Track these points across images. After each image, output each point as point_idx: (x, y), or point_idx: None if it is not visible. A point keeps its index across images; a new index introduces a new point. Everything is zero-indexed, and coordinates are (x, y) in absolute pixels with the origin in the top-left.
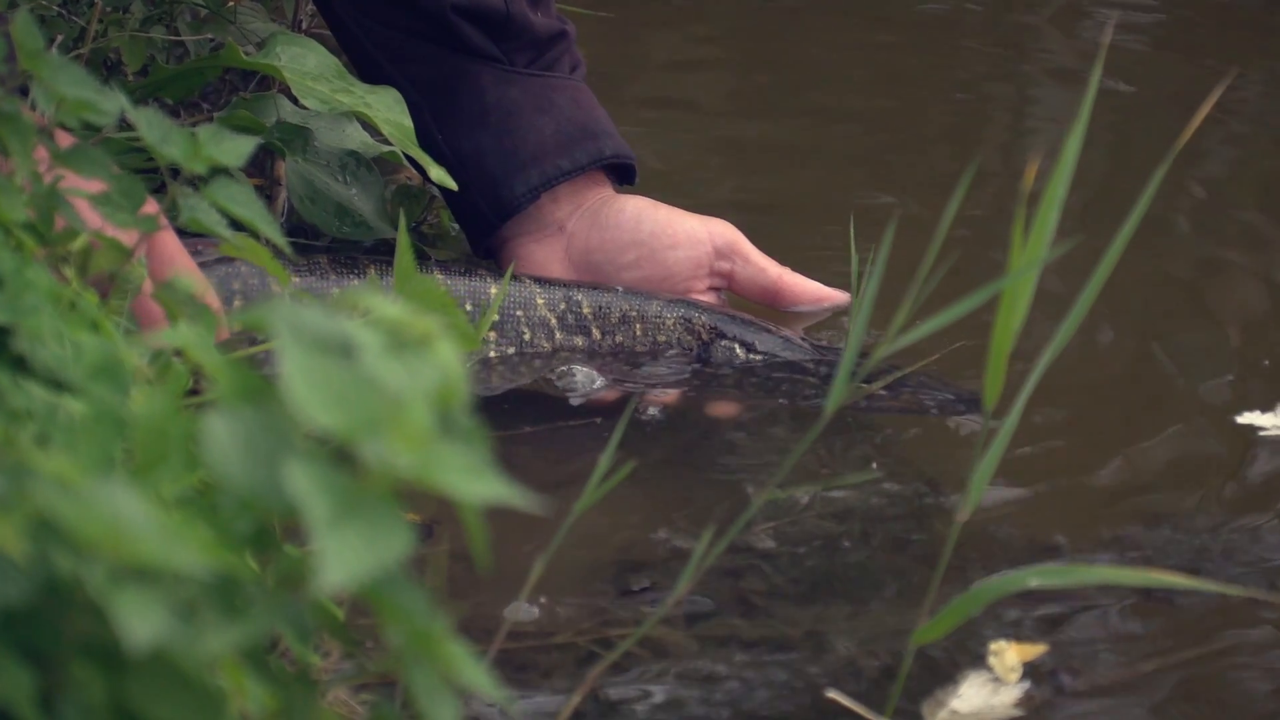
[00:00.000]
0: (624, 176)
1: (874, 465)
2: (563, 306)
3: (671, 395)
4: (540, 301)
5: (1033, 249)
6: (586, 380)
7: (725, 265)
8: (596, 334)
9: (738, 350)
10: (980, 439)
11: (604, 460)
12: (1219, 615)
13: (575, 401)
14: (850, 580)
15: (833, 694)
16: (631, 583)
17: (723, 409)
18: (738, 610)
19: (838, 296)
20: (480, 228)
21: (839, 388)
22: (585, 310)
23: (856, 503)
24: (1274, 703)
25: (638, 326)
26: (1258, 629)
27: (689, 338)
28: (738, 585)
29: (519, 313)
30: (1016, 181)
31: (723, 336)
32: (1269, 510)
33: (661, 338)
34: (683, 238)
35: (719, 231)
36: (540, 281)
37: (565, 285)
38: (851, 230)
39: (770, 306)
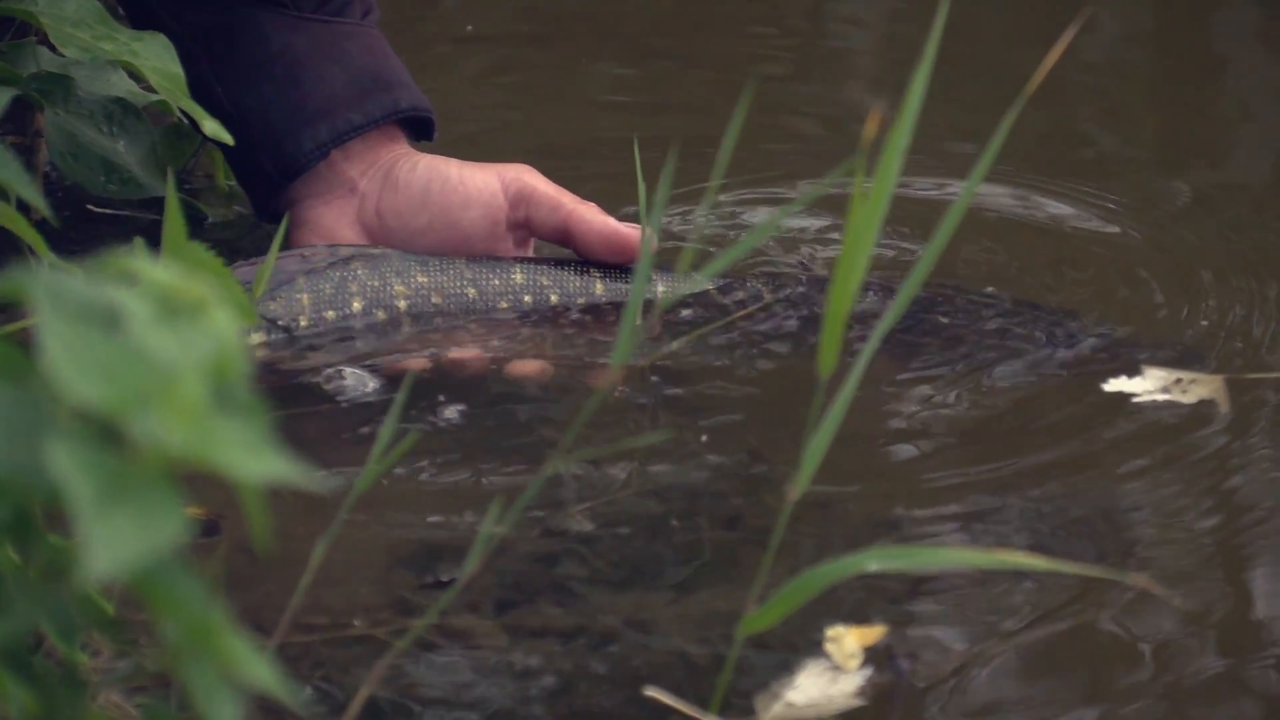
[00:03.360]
0: (422, 131)
1: (703, 438)
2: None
3: (533, 365)
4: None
5: (874, 202)
6: (357, 383)
7: (521, 214)
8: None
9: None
10: (813, 409)
11: (384, 434)
12: (1068, 591)
13: (349, 406)
14: (674, 563)
15: (652, 691)
16: (435, 571)
17: (524, 368)
18: (553, 598)
19: (628, 235)
20: (265, 188)
21: (624, 340)
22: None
23: (679, 478)
24: (1125, 682)
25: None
26: (1107, 608)
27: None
28: (552, 571)
29: None
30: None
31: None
32: (1123, 480)
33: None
34: (474, 195)
35: (512, 178)
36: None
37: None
38: (637, 160)
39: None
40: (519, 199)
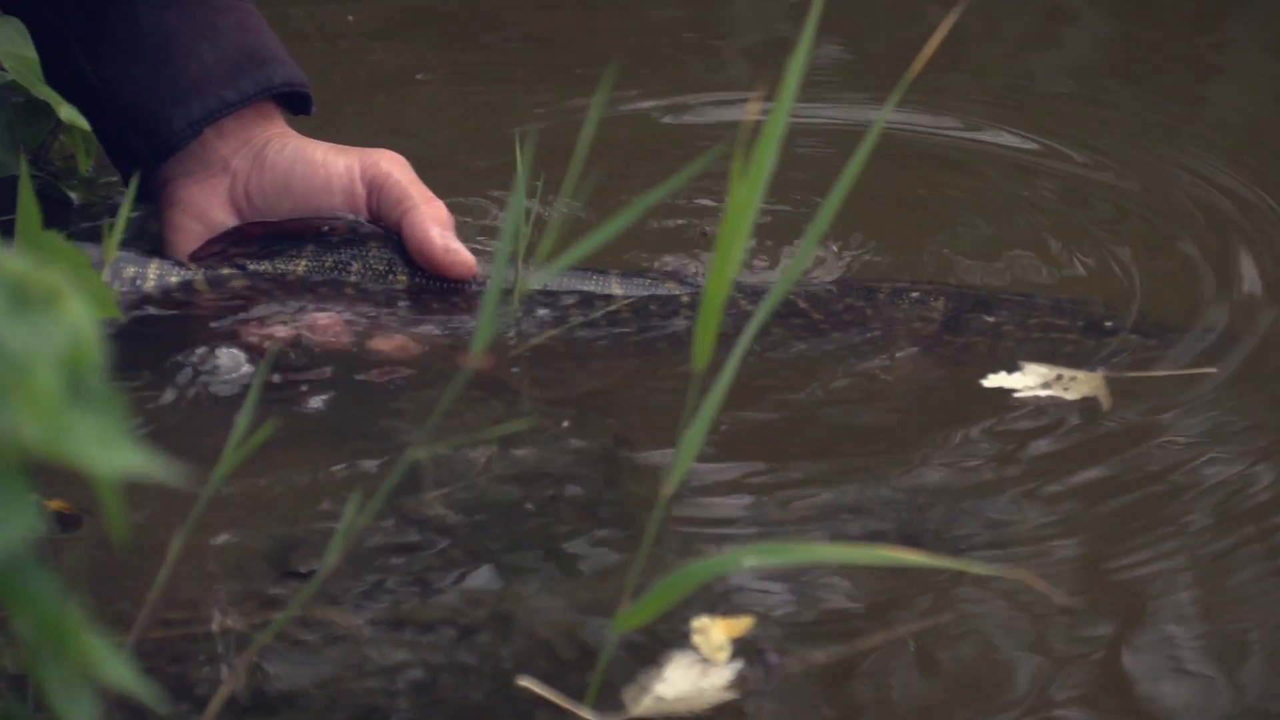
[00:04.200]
0: (299, 106)
1: (565, 423)
2: None
3: (395, 341)
4: None
5: (750, 188)
6: (231, 363)
7: (374, 202)
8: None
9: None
10: (688, 401)
11: (240, 423)
12: (943, 584)
13: (224, 391)
14: (537, 552)
15: (525, 681)
16: (295, 563)
17: (386, 343)
18: (414, 589)
19: (438, 253)
20: (138, 168)
21: (484, 327)
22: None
23: (541, 463)
24: (998, 677)
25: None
26: (983, 604)
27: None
28: (412, 561)
29: None
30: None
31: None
32: (998, 474)
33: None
34: (335, 180)
35: (370, 164)
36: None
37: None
38: (519, 154)
39: None
40: (373, 186)
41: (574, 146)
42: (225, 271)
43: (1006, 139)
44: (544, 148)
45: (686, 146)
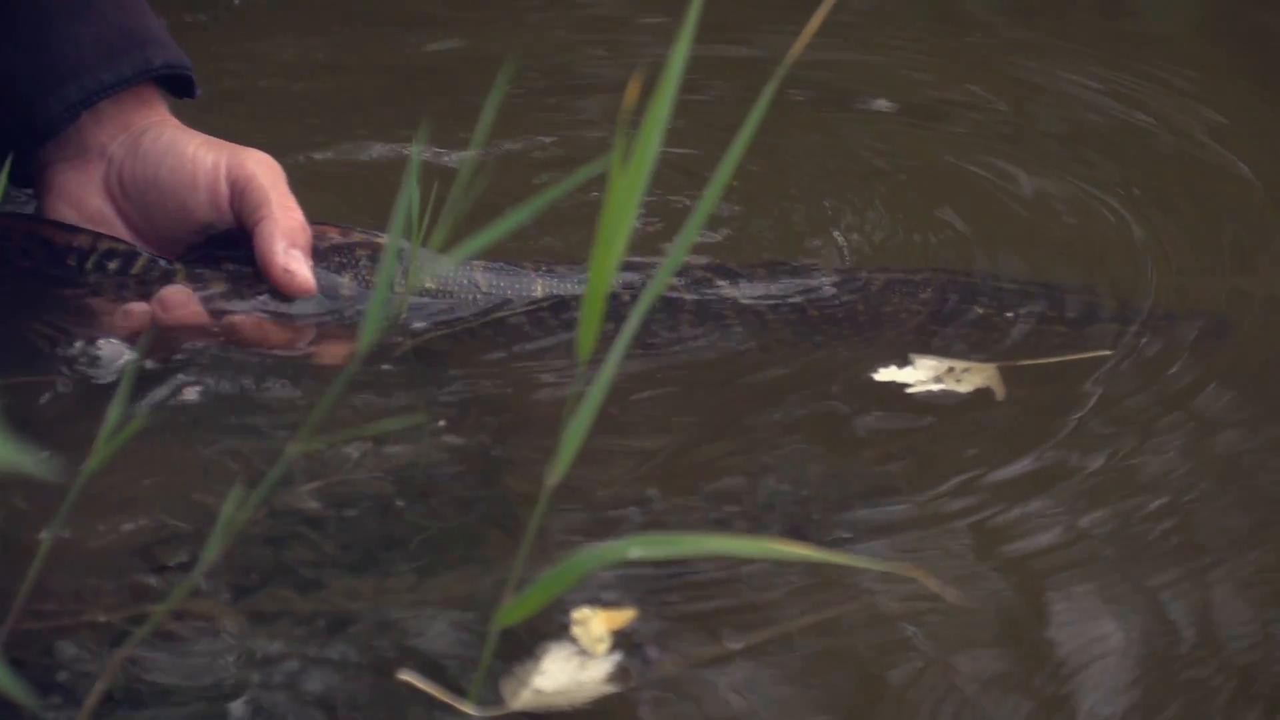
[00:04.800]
0: (183, 89)
1: (443, 421)
2: None
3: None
4: None
5: (633, 174)
6: (112, 353)
7: (236, 203)
8: None
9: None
10: (572, 392)
11: (112, 415)
12: (831, 578)
13: (105, 380)
14: (411, 545)
15: (405, 675)
16: (164, 557)
17: (332, 352)
18: (289, 581)
19: (276, 269)
20: (15, 153)
21: (371, 324)
22: None
23: (415, 457)
24: (883, 672)
25: None
26: (870, 598)
27: None
28: (285, 554)
29: None
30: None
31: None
32: (885, 468)
33: None
34: (201, 176)
35: (236, 164)
36: None
37: None
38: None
39: None
40: (235, 187)
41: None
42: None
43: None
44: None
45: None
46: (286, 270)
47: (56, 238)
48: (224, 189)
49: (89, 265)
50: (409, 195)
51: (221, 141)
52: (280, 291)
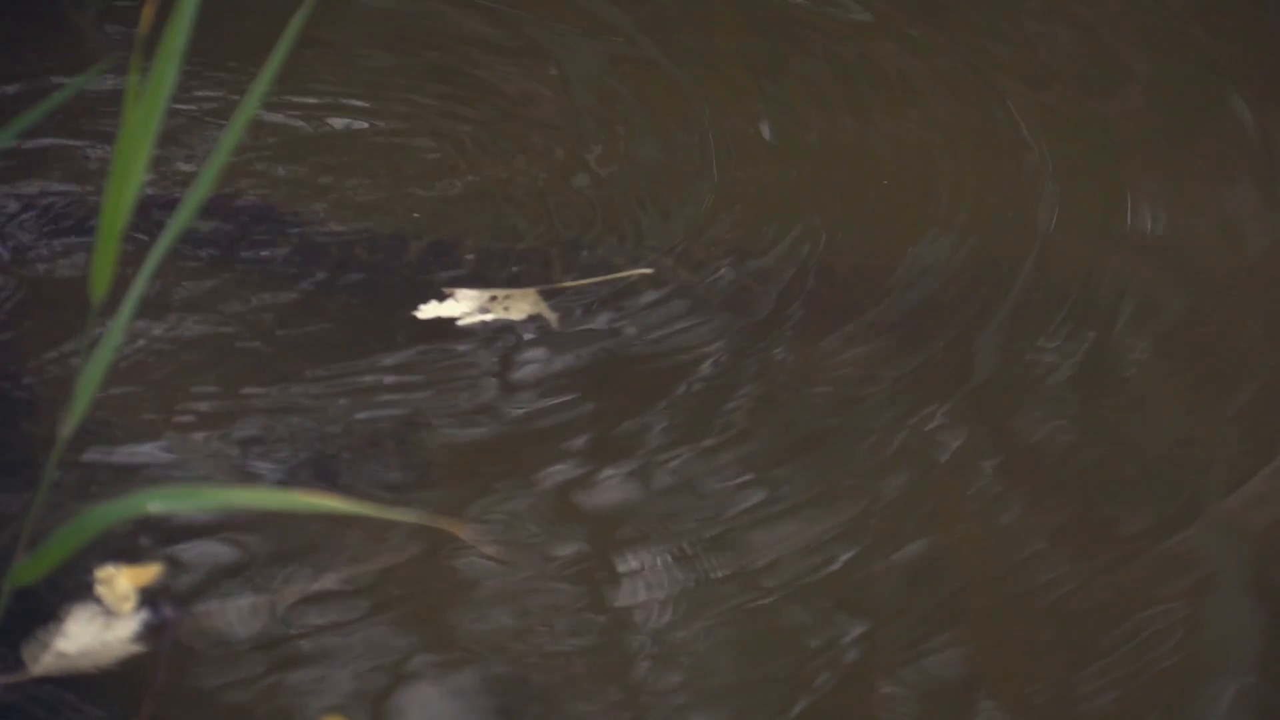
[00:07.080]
0: None
1: None
2: None
3: None
4: None
5: (149, 105)
6: None
7: None
8: None
9: None
10: (86, 335)
11: None
12: (373, 528)
13: None
14: None
15: None
16: None
17: None
18: None
19: None
20: None
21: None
22: None
23: None
24: (422, 624)
25: None
26: (409, 548)
27: None
28: None
29: None
30: None
31: None
32: (416, 406)
33: None
34: None
35: None
36: None
37: None
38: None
39: None
40: None
41: None
42: None
43: None
44: None
45: None
46: None
47: None
48: None
49: None
50: None
51: None
52: None
